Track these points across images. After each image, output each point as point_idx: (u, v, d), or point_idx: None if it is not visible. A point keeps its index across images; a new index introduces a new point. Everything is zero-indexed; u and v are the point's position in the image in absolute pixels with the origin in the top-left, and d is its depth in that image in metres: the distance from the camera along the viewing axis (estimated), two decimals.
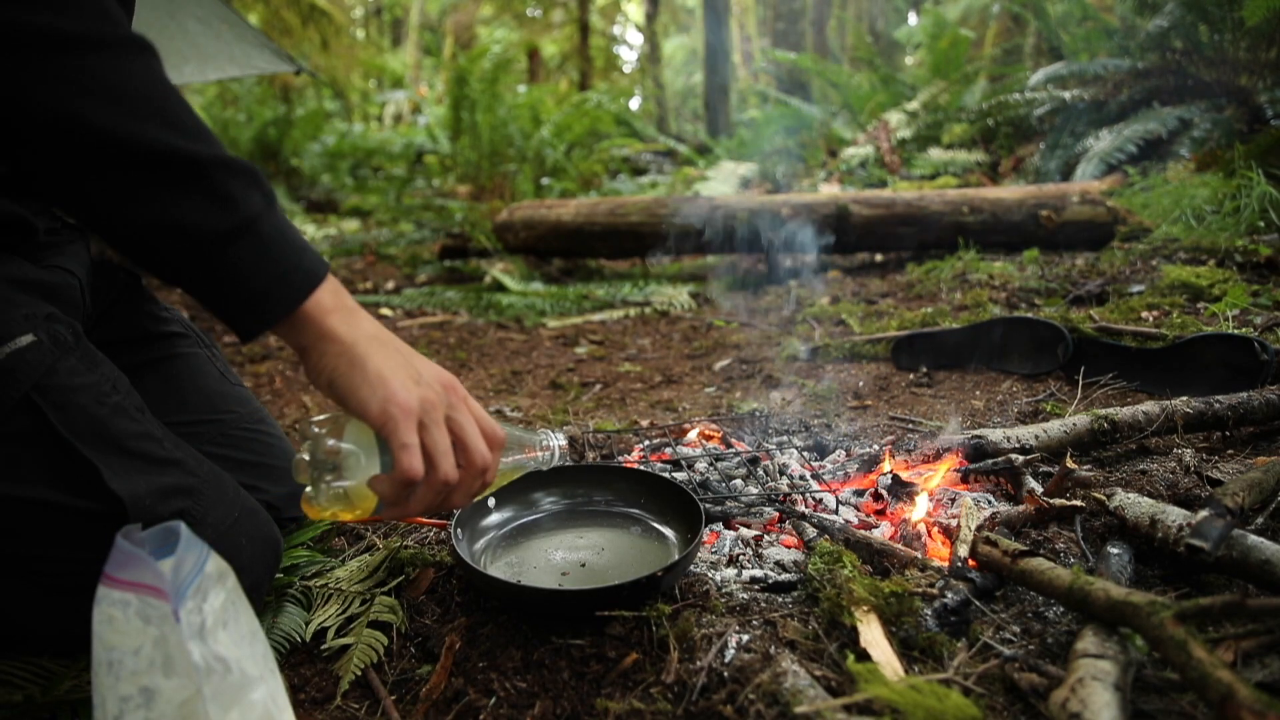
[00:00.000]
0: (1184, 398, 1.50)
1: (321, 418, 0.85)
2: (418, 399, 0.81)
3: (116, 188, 0.73)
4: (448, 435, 0.83)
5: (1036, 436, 1.42)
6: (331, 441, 0.83)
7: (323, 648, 1.05)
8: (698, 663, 0.87)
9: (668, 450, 1.60)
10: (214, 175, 0.76)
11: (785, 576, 1.08)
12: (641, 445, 1.66)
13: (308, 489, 0.85)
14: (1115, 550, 1.03)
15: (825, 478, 1.42)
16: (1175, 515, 1.03)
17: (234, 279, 0.78)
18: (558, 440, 1.02)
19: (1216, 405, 1.46)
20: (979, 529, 1.09)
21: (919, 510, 1.23)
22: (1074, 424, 1.44)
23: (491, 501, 1.26)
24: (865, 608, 0.93)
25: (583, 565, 1.12)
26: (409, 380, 0.82)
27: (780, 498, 1.31)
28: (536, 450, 1.01)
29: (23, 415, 0.89)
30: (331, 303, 0.82)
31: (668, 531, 1.21)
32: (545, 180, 7.01)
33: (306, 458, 0.84)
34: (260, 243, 0.78)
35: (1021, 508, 1.17)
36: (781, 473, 1.46)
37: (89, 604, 0.67)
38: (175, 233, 0.75)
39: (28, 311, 0.94)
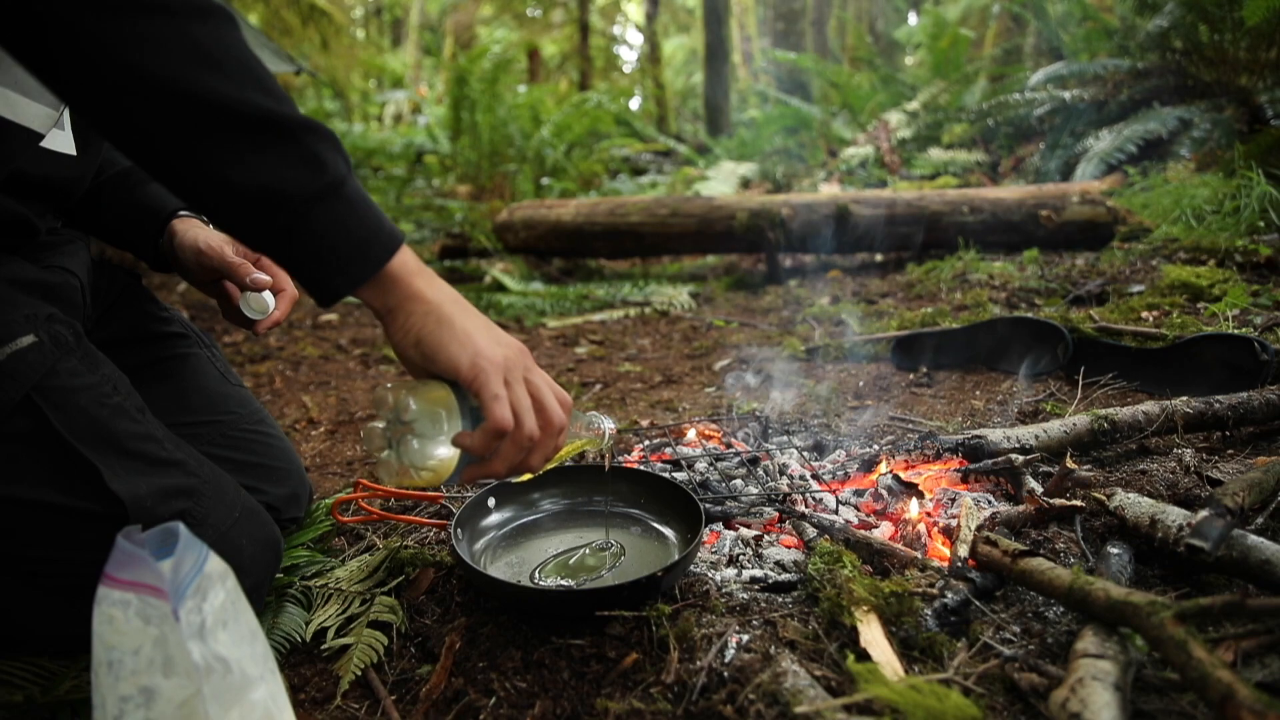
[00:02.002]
0: (1184, 398, 1.50)
1: (391, 385, 0.85)
2: (502, 356, 0.85)
3: (219, 150, 0.75)
4: (527, 394, 0.86)
5: (1036, 436, 1.42)
6: (414, 402, 0.83)
7: (323, 648, 1.05)
8: (698, 663, 0.87)
9: (668, 450, 1.60)
10: (305, 138, 0.78)
11: (785, 576, 1.08)
12: (641, 445, 1.66)
13: (384, 454, 0.85)
14: (1115, 550, 1.03)
15: (825, 478, 1.42)
16: (1175, 515, 1.03)
17: (324, 240, 0.79)
18: (609, 424, 1.04)
19: (1216, 405, 1.46)
20: (979, 529, 1.09)
21: (913, 509, 1.23)
22: (1074, 424, 1.44)
23: (491, 502, 1.26)
24: (865, 608, 0.93)
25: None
26: (493, 340, 0.86)
27: (780, 498, 1.31)
28: (591, 430, 1.02)
29: (23, 416, 0.89)
30: (415, 265, 0.85)
31: (668, 531, 1.21)
32: (545, 180, 7.01)
33: (381, 425, 0.85)
34: (347, 205, 0.80)
35: (1021, 508, 1.17)
36: (781, 473, 1.46)
37: (89, 604, 0.67)
38: (270, 194, 0.76)
39: (28, 312, 0.94)
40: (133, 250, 1.27)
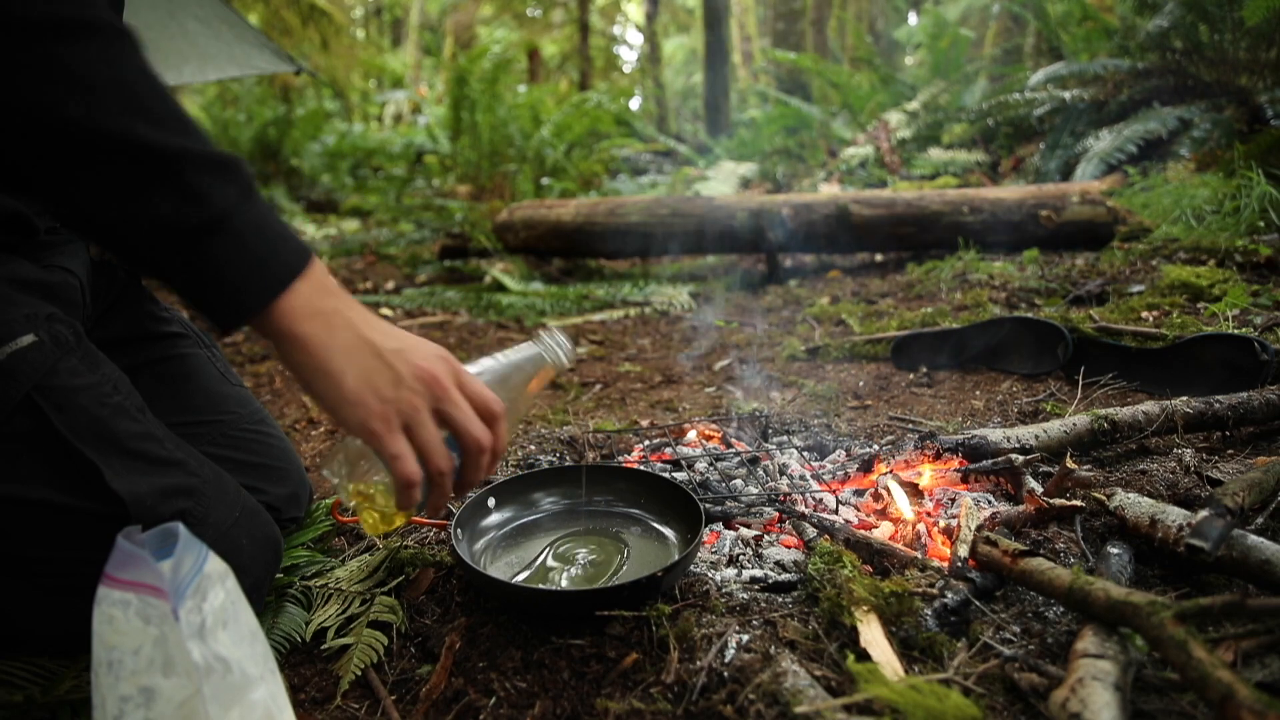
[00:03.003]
0: (1184, 398, 1.50)
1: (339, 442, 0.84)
2: (396, 409, 0.79)
3: (89, 181, 0.71)
4: (436, 432, 0.81)
5: (1036, 436, 1.42)
6: (341, 457, 0.82)
7: (323, 648, 1.05)
8: (698, 663, 0.87)
9: (668, 450, 1.60)
10: (184, 170, 0.73)
11: (785, 576, 1.08)
12: (641, 445, 1.66)
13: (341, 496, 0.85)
14: (1115, 550, 1.03)
15: (825, 478, 1.42)
16: (1175, 515, 1.03)
17: (205, 274, 0.75)
18: (558, 339, 0.99)
19: (1216, 405, 1.46)
20: (979, 529, 1.09)
21: (904, 507, 1.23)
22: (1074, 424, 1.44)
23: (491, 502, 1.26)
24: (865, 608, 0.93)
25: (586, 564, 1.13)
26: (387, 388, 0.79)
27: (780, 498, 1.31)
28: (548, 364, 0.98)
29: (23, 416, 0.89)
30: (305, 306, 0.78)
31: (668, 531, 1.21)
32: (545, 180, 7.01)
33: (336, 463, 0.84)
34: (227, 241, 0.75)
35: (1021, 508, 1.17)
36: (781, 473, 1.46)
37: (89, 604, 0.67)
38: (146, 228, 0.72)
39: (28, 311, 0.94)
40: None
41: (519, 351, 0.98)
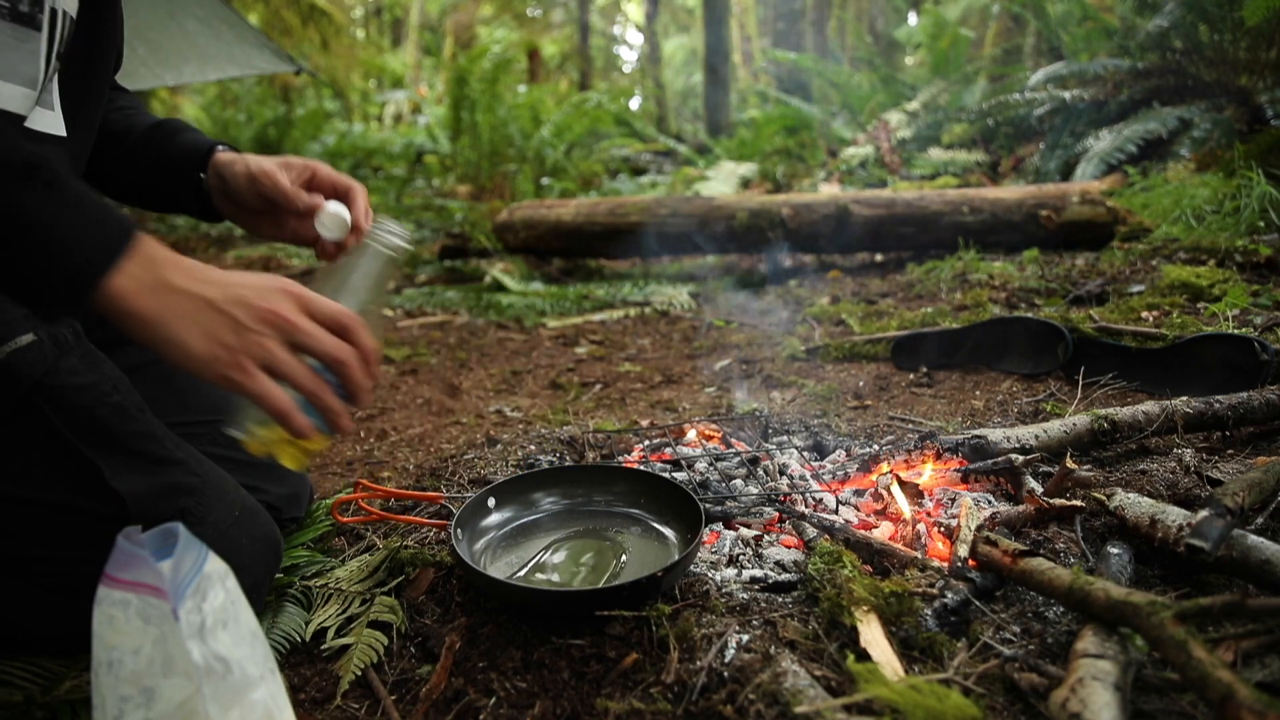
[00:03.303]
0: (1184, 398, 1.50)
1: None
2: (246, 354, 0.80)
3: None
4: (292, 360, 0.81)
5: (1036, 436, 1.42)
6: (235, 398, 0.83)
7: (323, 648, 1.05)
8: (698, 663, 0.87)
9: (668, 450, 1.60)
10: None
11: (785, 576, 1.08)
12: (641, 445, 1.66)
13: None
14: (1115, 550, 1.03)
15: (825, 478, 1.42)
16: (1175, 515, 1.03)
17: (31, 240, 0.74)
18: (389, 228, 0.98)
19: (1216, 405, 1.46)
20: (979, 529, 1.09)
21: (900, 502, 1.23)
22: (1074, 424, 1.44)
23: (491, 502, 1.26)
24: (865, 608, 0.93)
25: (583, 565, 1.13)
26: (230, 336, 0.80)
27: (780, 498, 1.31)
28: (388, 255, 0.97)
29: (23, 415, 0.89)
30: (133, 284, 0.78)
31: (668, 531, 1.21)
32: (545, 180, 7.01)
33: (234, 421, 0.86)
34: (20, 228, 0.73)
35: (1021, 508, 1.17)
36: (781, 473, 1.46)
37: (89, 604, 0.67)
38: None
39: (27, 310, 0.94)
40: (175, 205, 1.21)
41: (357, 254, 0.97)
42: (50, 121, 1.02)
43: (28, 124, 0.98)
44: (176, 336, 0.79)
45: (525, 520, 1.27)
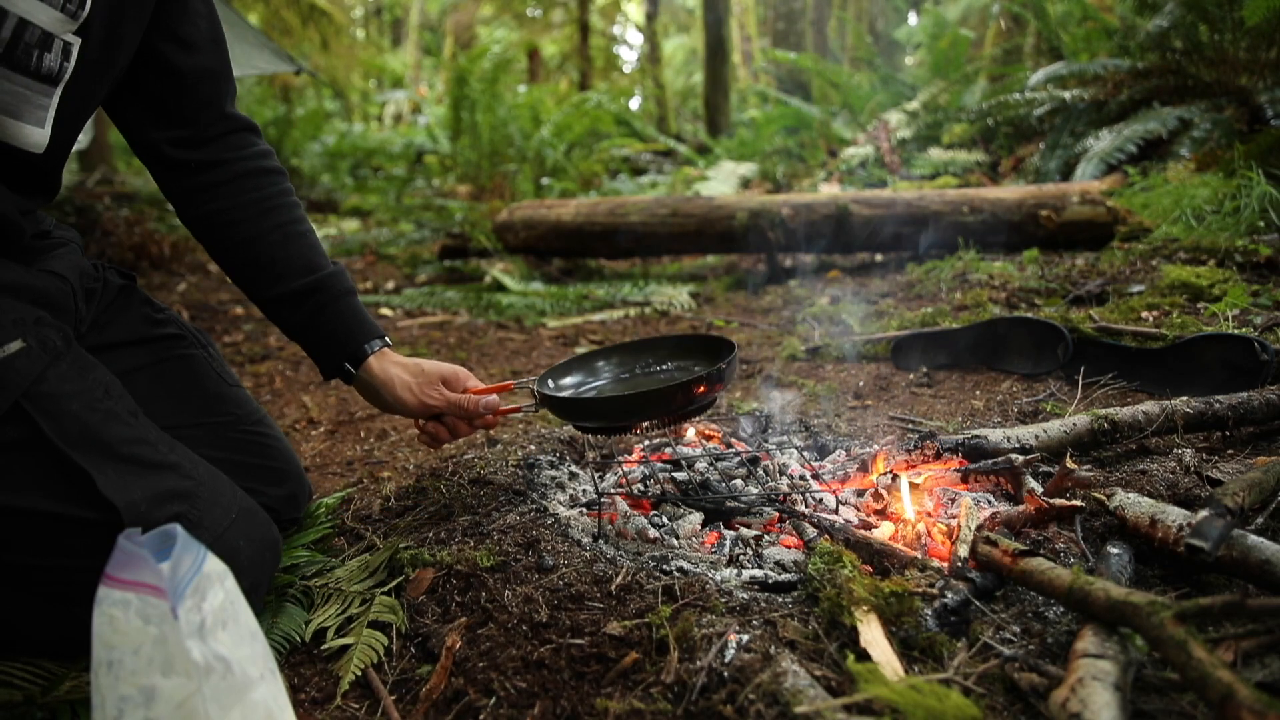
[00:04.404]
0: (1184, 398, 1.50)
1: None
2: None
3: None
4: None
5: (1036, 436, 1.41)
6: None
7: (323, 648, 1.05)
8: (698, 663, 0.87)
9: (668, 450, 1.60)
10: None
11: (785, 576, 1.08)
12: (642, 445, 1.66)
13: None
14: (1115, 550, 1.03)
15: (825, 478, 1.42)
16: (1175, 515, 1.03)
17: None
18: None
19: (1216, 405, 1.46)
20: (979, 529, 1.09)
21: (905, 501, 1.23)
22: (1074, 424, 1.44)
23: (551, 384, 1.42)
24: (865, 608, 0.93)
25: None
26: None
27: (780, 498, 1.31)
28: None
29: (13, 424, 0.89)
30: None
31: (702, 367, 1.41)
32: (545, 180, 7.01)
33: None
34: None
35: (1021, 508, 1.17)
36: (781, 473, 1.46)
37: (87, 610, 0.66)
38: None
39: (16, 316, 0.94)
40: (306, 349, 1.30)
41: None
42: (33, 138, 1.02)
43: (8, 140, 0.99)
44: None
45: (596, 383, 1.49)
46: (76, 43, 1.00)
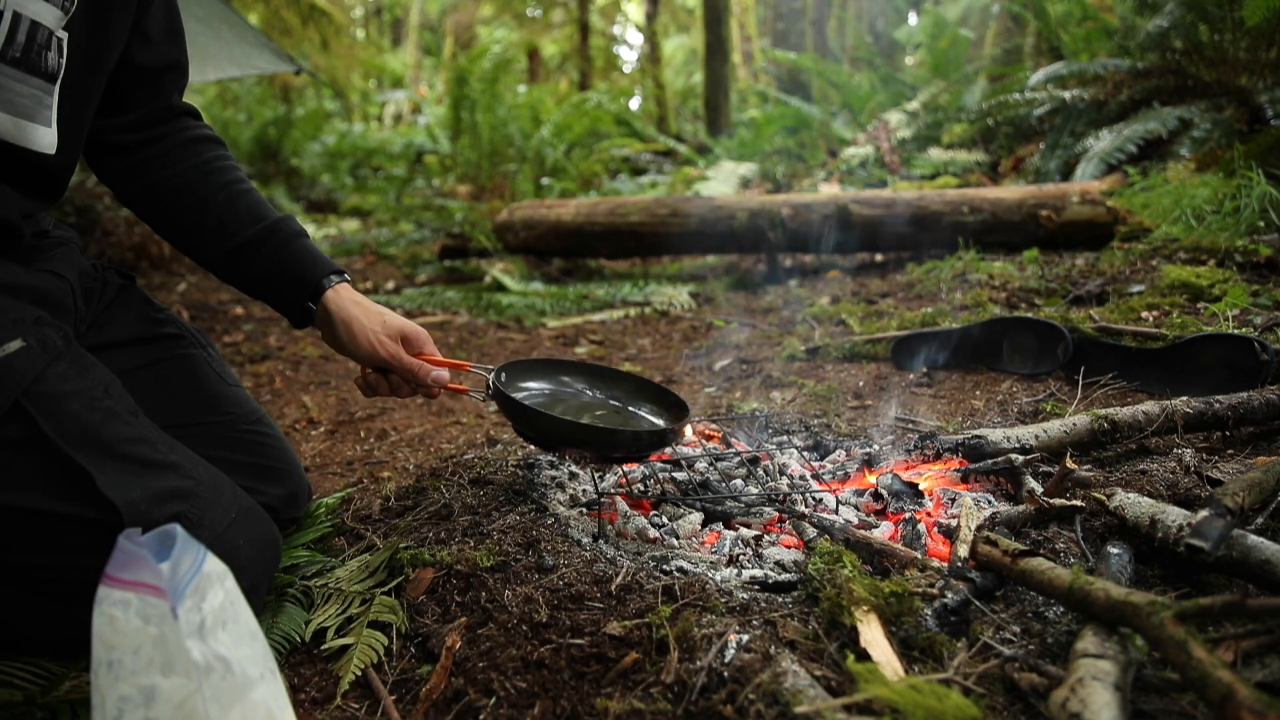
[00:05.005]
0: (1184, 398, 1.50)
1: None
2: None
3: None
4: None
5: (1036, 436, 1.41)
6: None
7: (323, 648, 1.05)
8: (698, 662, 0.87)
9: (667, 450, 1.60)
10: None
11: (785, 576, 1.08)
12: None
13: None
14: (1115, 550, 1.03)
15: (825, 478, 1.42)
16: (1175, 515, 1.03)
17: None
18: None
19: (1216, 405, 1.46)
20: (979, 529, 1.09)
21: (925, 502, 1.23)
22: (1074, 424, 1.44)
23: (503, 376, 1.37)
24: (865, 608, 0.93)
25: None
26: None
27: (780, 498, 1.31)
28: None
29: (13, 423, 0.89)
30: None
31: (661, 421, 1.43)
32: (545, 180, 7.01)
33: None
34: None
35: (1021, 508, 1.17)
36: (781, 473, 1.46)
37: (86, 610, 0.66)
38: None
39: (15, 316, 0.94)
40: (270, 303, 1.27)
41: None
42: (45, 139, 1.03)
43: (26, 144, 1.00)
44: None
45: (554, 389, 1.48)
46: (64, 36, 1.01)
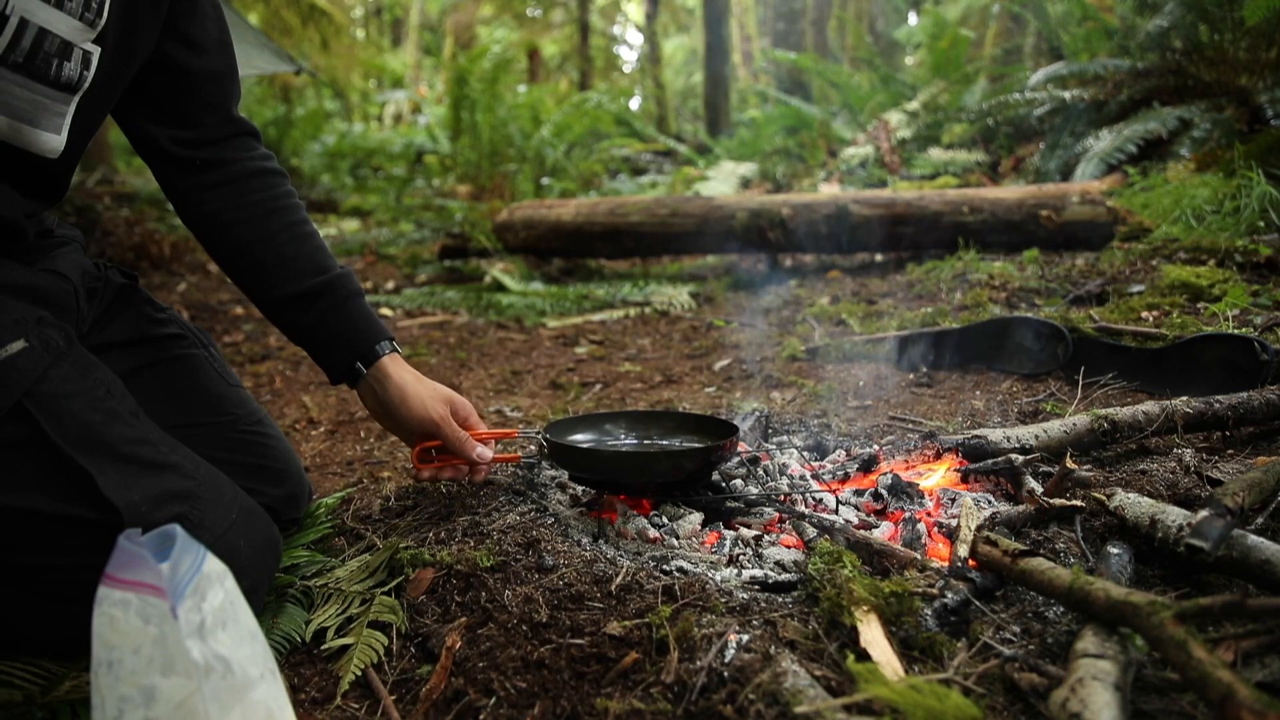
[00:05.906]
0: (1184, 398, 1.50)
1: None
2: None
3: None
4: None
5: (1036, 436, 1.41)
6: None
7: (323, 648, 1.05)
8: (698, 663, 0.87)
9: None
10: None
11: (785, 576, 1.07)
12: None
13: None
14: (1115, 550, 1.03)
15: (825, 478, 1.42)
16: (1175, 515, 1.03)
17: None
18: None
19: (1216, 405, 1.46)
20: (979, 529, 1.09)
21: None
22: (1074, 424, 1.44)
23: (539, 442, 1.40)
24: (865, 608, 0.93)
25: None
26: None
27: (780, 498, 1.31)
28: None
29: (15, 423, 0.89)
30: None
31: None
32: (545, 180, 7.02)
33: None
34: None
35: (1021, 508, 1.17)
36: (781, 473, 1.45)
37: (87, 611, 0.66)
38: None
39: (18, 316, 0.94)
40: (314, 355, 1.28)
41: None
42: (50, 143, 1.03)
43: (25, 147, 1.00)
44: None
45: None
46: (96, 51, 1.01)
